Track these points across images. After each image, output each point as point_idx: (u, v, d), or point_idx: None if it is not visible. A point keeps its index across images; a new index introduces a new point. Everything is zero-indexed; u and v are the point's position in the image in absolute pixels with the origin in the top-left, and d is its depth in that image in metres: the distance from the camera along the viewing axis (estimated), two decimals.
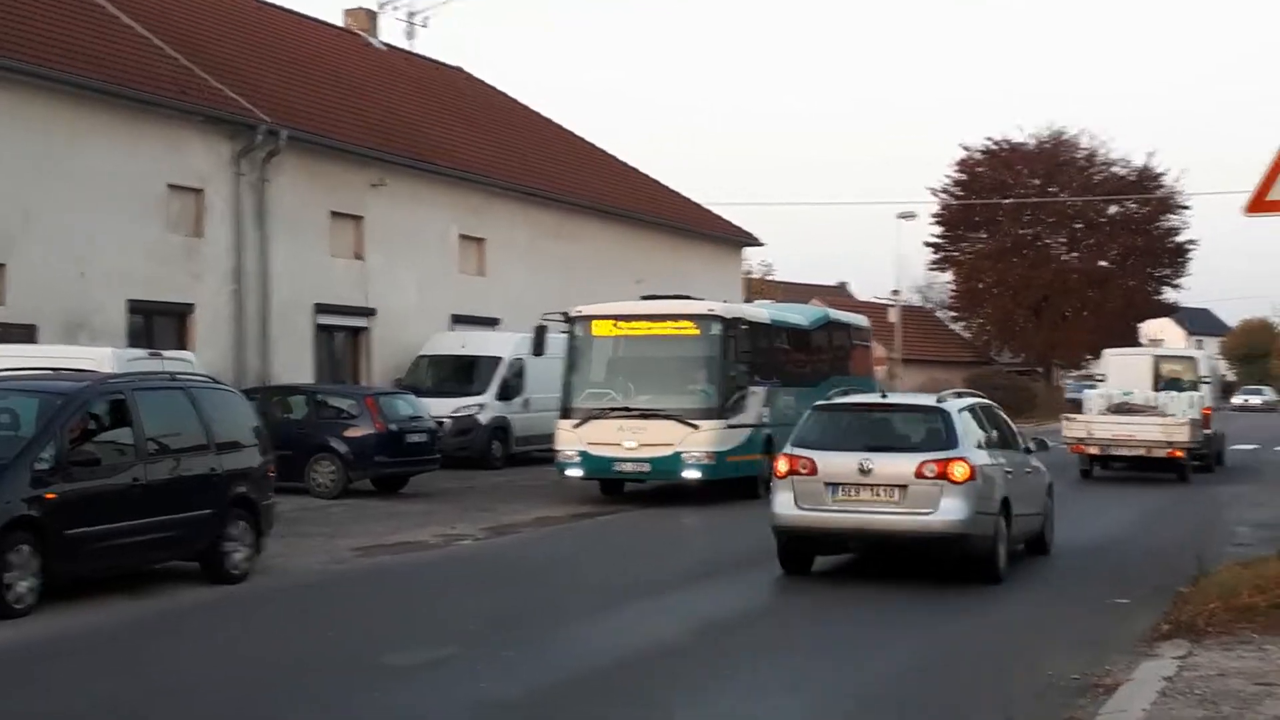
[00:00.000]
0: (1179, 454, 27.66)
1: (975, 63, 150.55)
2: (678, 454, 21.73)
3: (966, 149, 68.56)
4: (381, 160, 30.71)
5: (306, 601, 13.73)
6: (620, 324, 22.96)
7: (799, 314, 28.30)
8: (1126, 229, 68.28)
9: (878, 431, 14.97)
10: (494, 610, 13.05)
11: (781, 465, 14.61)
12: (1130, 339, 72.62)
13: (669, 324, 22.67)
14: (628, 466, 22.18)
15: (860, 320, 32.02)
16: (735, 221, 47.42)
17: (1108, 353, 36.14)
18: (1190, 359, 33.18)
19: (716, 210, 46.87)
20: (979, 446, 14.64)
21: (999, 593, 13.98)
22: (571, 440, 22.29)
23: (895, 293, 53.48)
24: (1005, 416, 16.73)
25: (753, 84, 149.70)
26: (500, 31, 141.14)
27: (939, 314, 77.49)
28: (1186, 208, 68.13)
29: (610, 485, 23.35)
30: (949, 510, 13.78)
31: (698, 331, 22.40)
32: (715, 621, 12.40)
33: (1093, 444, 28.35)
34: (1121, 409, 28.93)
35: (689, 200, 45.82)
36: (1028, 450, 16.49)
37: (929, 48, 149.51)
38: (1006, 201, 66.09)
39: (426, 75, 40.61)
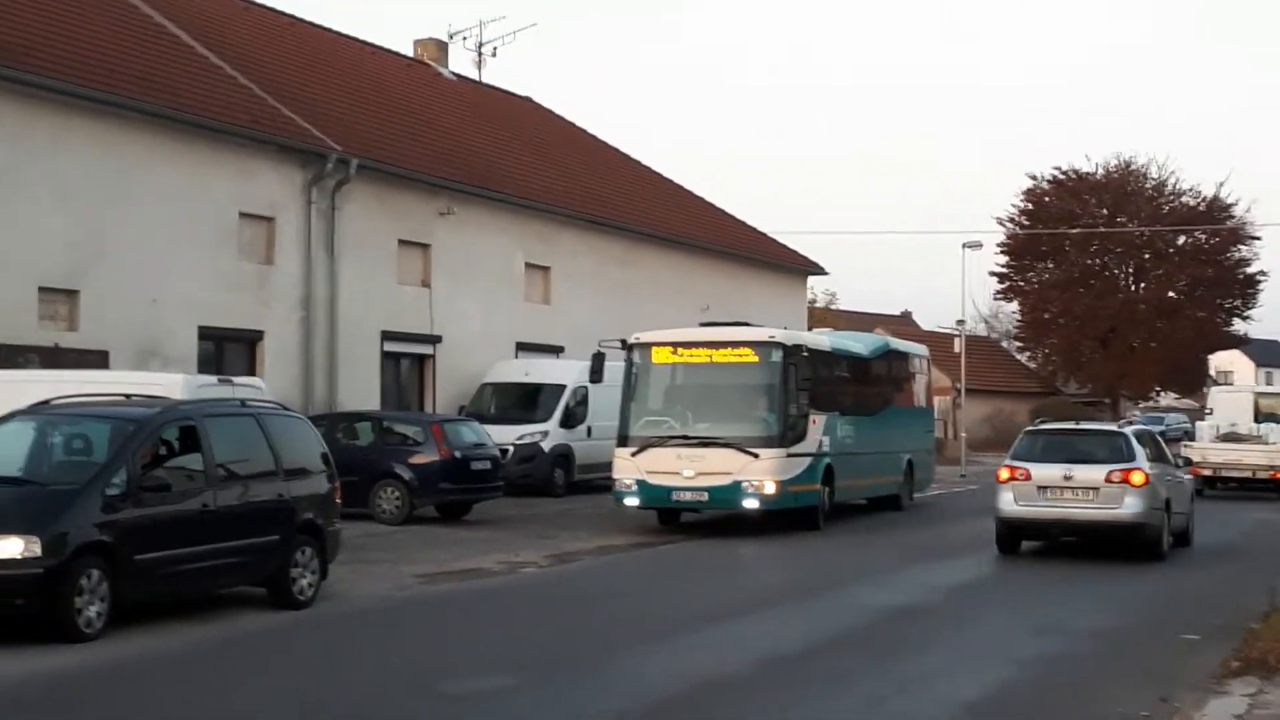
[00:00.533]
0: (1279, 475, 32.31)
1: (1042, 92, 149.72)
2: (737, 483, 21.22)
3: (1033, 178, 68.17)
4: (449, 189, 30.89)
5: (370, 628, 13.77)
6: (680, 351, 22.54)
7: (859, 342, 28.05)
8: (1195, 259, 67.49)
9: (1075, 448, 19.88)
10: (555, 638, 13.04)
11: (1004, 474, 19.62)
12: (1199, 371, 71.87)
13: (729, 351, 22.22)
14: (686, 495, 21.66)
15: (920, 349, 31.88)
16: (800, 250, 47.39)
17: (1215, 390, 42.90)
18: None
19: (781, 239, 46.86)
20: (1148, 457, 19.53)
21: (1066, 617, 13.83)
22: (629, 469, 21.90)
23: (960, 322, 52.97)
24: (1161, 440, 21.61)
25: (818, 113, 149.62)
26: (566, 59, 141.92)
27: (1004, 344, 76.96)
28: (1257, 238, 67.36)
29: (667, 515, 22.94)
30: (1131, 506, 18.91)
31: (758, 359, 21.97)
32: (778, 653, 12.31)
33: (1206, 467, 32.16)
34: (1229, 438, 33.85)
35: (753, 229, 45.81)
36: (1177, 465, 21.65)
37: (996, 77, 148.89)
38: (1073, 231, 65.50)
39: (495, 105, 40.90)
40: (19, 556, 11.73)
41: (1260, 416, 35.62)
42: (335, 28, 36.71)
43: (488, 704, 10.09)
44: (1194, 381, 72.27)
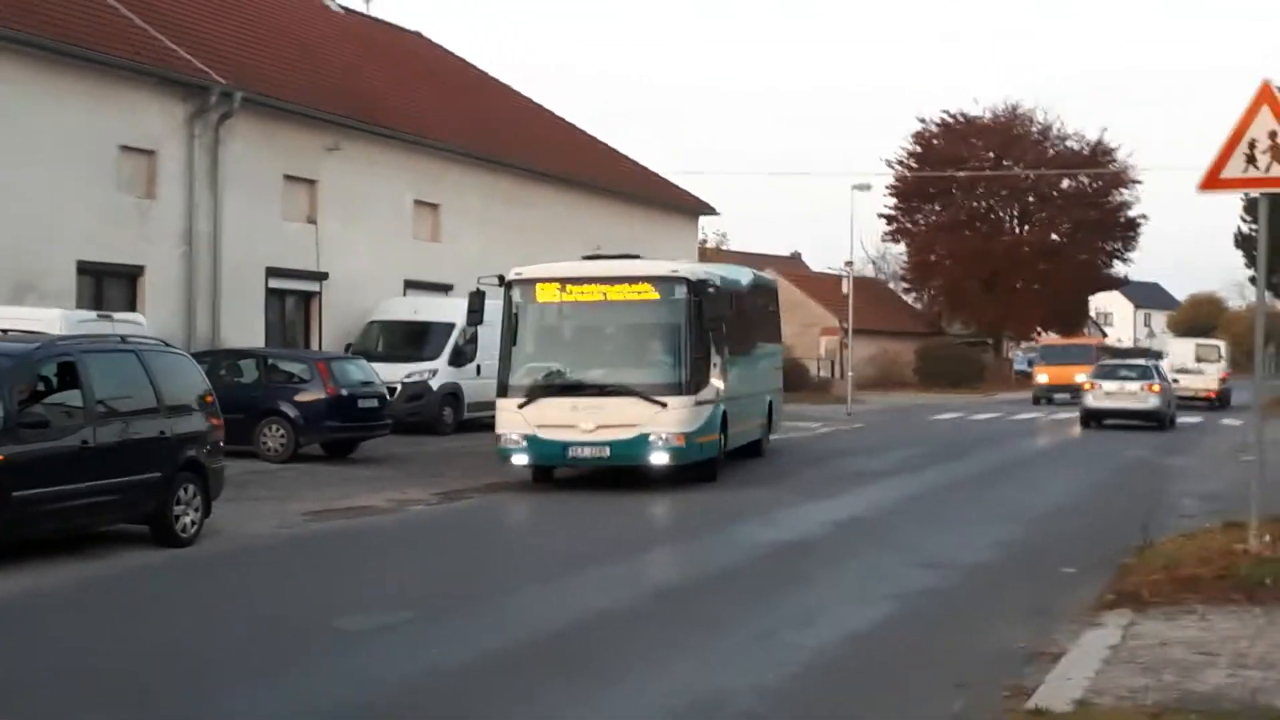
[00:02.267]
0: (1212, 395, 48.71)
1: (933, 35, 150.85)
2: (644, 436, 19.03)
3: (922, 121, 69.01)
4: (337, 124, 30.44)
5: (257, 565, 13.66)
6: (569, 288, 19.87)
7: (736, 275, 25.29)
8: (1078, 203, 68.77)
9: (1123, 371, 37.59)
10: (446, 575, 13.05)
11: (1087, 385, 36.99)
12: (1080, 312, 73.33)
13: (626, 287, 19.71)
14: (585, 451, 19.25)
15: (772, 281, 30.40)
16: (691, 190, 47.41)
17: (1170, 339, 64.25)
18: (1216, 345, 53.21)
19: (673, 179, 46.88)
20: (1160, 377, 36.94)
21: (948, 552, 14.03)
22: (516, 423, 19.31)
23: (848, 264, 53.56)
24: (1165, 365, 42.40)
25: (712, 55, 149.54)
26: None
27: (891, 285, 77.84)
28: (1138, 182, 68.88)
29: (542, 471, 20.30)
30: (1154, 402, 35.83)
31: (659, 295, 19.58)
32: (671, 588, 12.47)
33: None
34: (1181, 370, 48.16)
35: (645, 169, 45.78)
36: (1170, 381, 39.29)
37: (888, 19, 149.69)
38: (960, 174, 66.29)
39: (384, 39, 40.31)
40: None
41: (1198, 359, 50.70)
42: None
43: (384, 639, 10.04)
44: (1075, 322, 73.77)
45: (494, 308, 20.88)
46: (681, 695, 8.54)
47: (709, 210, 48.39)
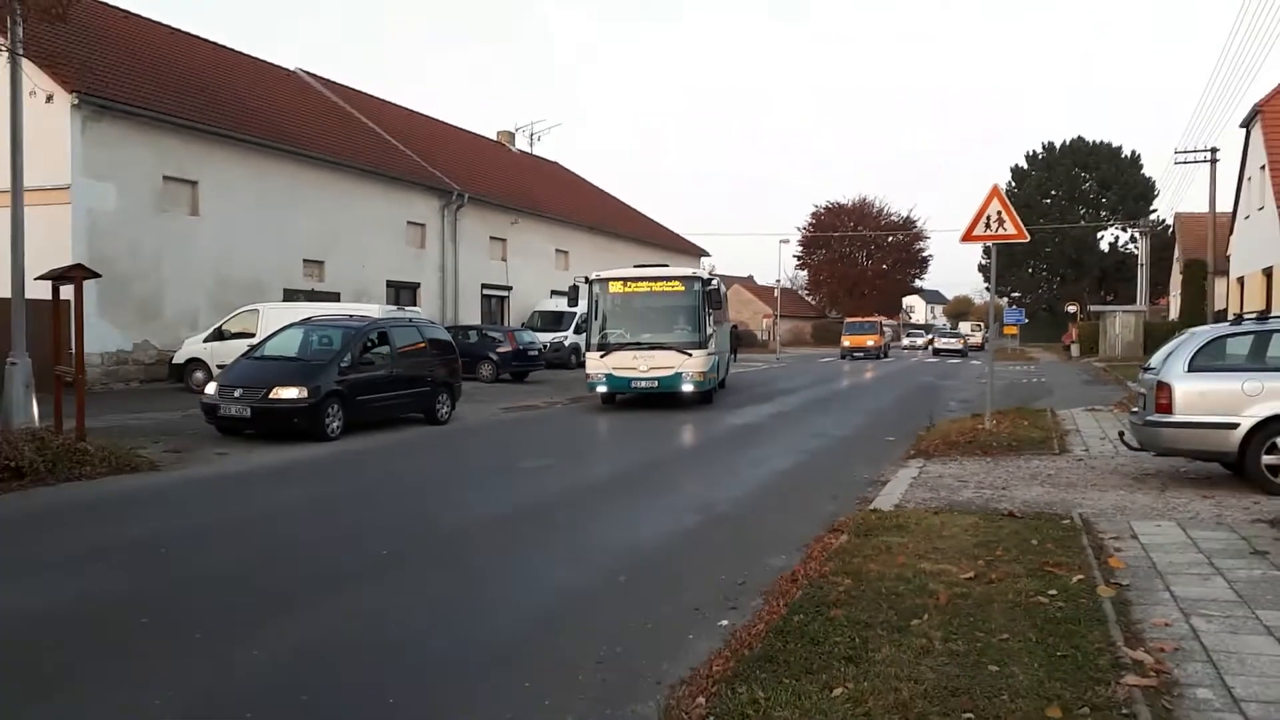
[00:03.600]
0: (979, 345, 49.41)
1: (823, 155, 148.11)
2: (679, 373, 17.20)
3: (816, 205, 68.26)
4: (515, 210, 30.44)
5: (480, 434, 13.71)
6: (629, 284, 17.83)
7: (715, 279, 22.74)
8: (896, 249, 67.79)
9: (949, 333, 49.00)
10: (572, 441, 13.06)
11: (936, 339, 42.65)
12: (897, 306, 72.33)
13: (664, 283, 17.82)
14: (642, 383, 17.31)
15: (724, 285, 28.83)
16: (694, 240, 46.97)
17: (963, 323, 62.22)
18: (980, 323, 55.07)
19: (685, 235, 46.47)
20: (961, 337, 45.32)
21: (827, 429, 13.79)
22: (600, 366, 17.37)
23: (778, 281, 53.20)
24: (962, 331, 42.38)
25: (706, 159, 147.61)
26: (576, 141, 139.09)
27: (800, 292, 77.02)
28: (928, 238, 67.74)
29: (609, 397, 18.19)
30: (959, 346, 43.32)
31: (684, 288, 17.67)
32: (684, 447, 12.39)
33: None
34: (967, 334, 50.05)
35: (670, 230, 45.41)
36: (966, 338, 46.32)
37: (802, 141, 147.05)
38: (835, 234, 65.57)
39: (539, 166, 40.15)
40: (296, 397, 11.74)
41: (972, 330, 52.55)
42: (457, 124, 35.85)
43: (542, 473, 10.12)
44: (894, 311, 73.13)
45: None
46: (690, 502, 8.57)
47: (704, 253, 47.89)
